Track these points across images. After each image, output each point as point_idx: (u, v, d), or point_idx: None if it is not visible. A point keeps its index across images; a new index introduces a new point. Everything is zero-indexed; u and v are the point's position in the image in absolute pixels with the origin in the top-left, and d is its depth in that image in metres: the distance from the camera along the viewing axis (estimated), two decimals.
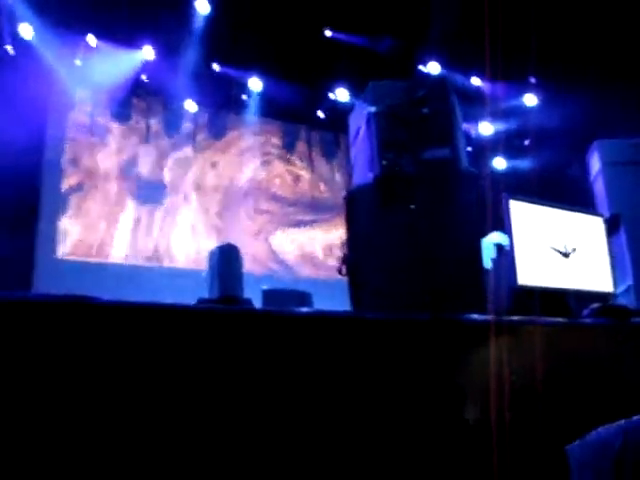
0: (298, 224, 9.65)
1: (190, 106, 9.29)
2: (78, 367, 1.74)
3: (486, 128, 9.73)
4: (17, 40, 7.83)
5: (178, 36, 8.12)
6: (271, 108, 9.54)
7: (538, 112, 9.23)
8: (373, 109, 3.01)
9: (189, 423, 1.83)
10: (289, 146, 10.15)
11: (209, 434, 1.85)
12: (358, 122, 3.19)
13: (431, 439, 2.09)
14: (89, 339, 1.77)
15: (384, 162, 2.88)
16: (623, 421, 1.54)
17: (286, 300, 4.31)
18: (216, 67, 8.89)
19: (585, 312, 2.87)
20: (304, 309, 2.44)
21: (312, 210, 9.80)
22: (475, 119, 9.50)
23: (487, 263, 3.14)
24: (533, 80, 9.15)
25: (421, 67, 8.80)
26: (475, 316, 2.38)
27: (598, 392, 2.37)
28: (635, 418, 1.53)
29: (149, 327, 1.86)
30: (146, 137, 9.15)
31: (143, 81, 8.77)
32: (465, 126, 8.15)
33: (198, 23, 8.05)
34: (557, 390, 2.34)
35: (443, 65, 8.79)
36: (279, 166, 10.05)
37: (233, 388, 1.90)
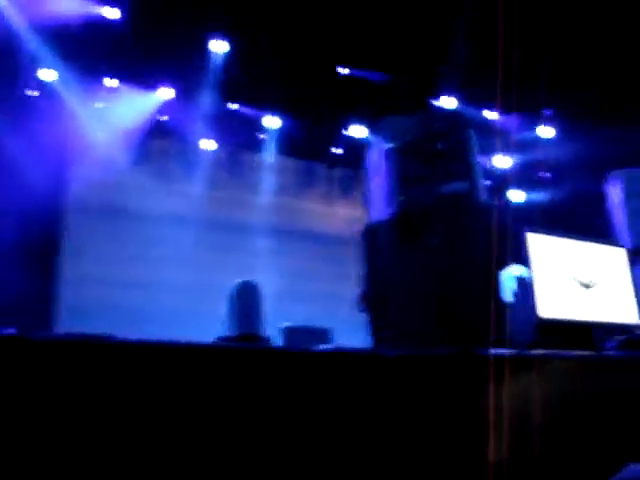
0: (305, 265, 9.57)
1: (208, 145, 9.38)
2: (97, 406, 1.74)
3: (503, 161, 9.73)
4: (39, 83, 7.98)
5: (196, 76, 8.24)
6: (289, 146, 9.60)
7: (555, 144, 9.22)
8: (390, 145, 3.02)
9: (209, 461, 1.81)
10: (308, 183, 10.19)
11: (229, 471, 1.83)
12: (375, 158, 3.21)
13: (455, 478, 2.05)
14: (107, 378, 1.77)
15: (402, 197, 2.88)
16: None
17: (306, 337, 4.30)
18: (233, 106, 8.98)
19: (610, 345, 2.83)
20: (324, 346, 2.42)
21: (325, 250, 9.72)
22: (492, 152, 9.51)
23: (507, 296, 3.11)
24: (549, 112, 9.16)
25: (436, 101, 8.84)
26: (498, 350, 2.35)
27: (626, 426, 2.33)
28: None
29: (167, 366, 1.86)
30: (165, 177, 9.23)
31: (162, 122, 8.88)
32: (482, 159, 8.16)
33: (215, 63, 8.15)
34: (584, 425, 2.29)
35: (458, 98, 8.83)
36: (297, 203, 10.08)
37: (254, 427, 1.88)
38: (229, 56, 8.07)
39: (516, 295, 3.16)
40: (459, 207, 2.92)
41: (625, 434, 2.27)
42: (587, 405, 2.35)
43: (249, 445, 1.86)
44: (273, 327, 4.15)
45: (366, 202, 3.45)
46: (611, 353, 2.77)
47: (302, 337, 4.27)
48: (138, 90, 8.47)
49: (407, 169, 2.94)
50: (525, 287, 3.08)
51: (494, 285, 2.86)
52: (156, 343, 1.89)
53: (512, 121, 9.10)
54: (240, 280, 3.79)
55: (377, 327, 2.79)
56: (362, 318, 2.90)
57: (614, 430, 2.32)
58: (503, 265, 3.07)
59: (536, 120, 9.24)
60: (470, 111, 8.63)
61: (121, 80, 8.34)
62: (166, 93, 8.57)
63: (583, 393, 2.36)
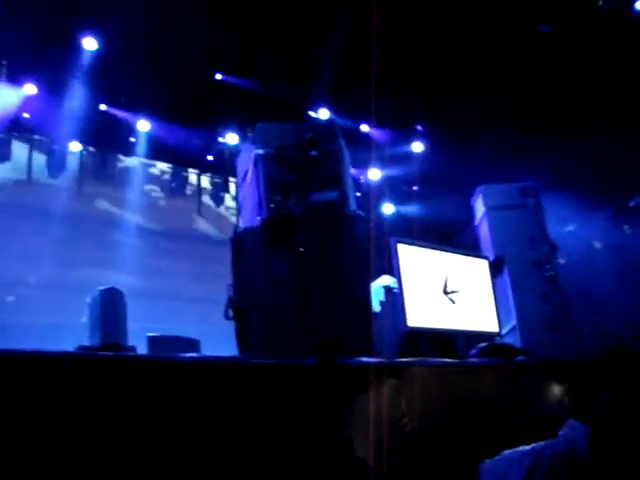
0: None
1: (75, 146, 9.01)
2: None
3: (375, 174, 9.92)
4: None
5: (64, 74, 7.88)
6: (160, 151, 9.39)
7: (426, 158, 9.49)
8: (260, 151, 2.97)
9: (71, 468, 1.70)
10: (178, 189, 10.00)
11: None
12: (246, 164, 3.15)
13: None
14: None
15: (271, 205, 2.84)
16: (535, 444, 1.63)
17: (173, 346, 4.17)
18: (103, 107, 8.67)
19: (472, 352, 2.91)
20: (189, 355, 2.34)
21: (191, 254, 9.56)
22: (364, 165, 9.67)
23: (376, 306, 3.14)
24: (420, 128, 9.42)
25: (311, 112, 8.90)
26: (364, 359, 2.35)
27: (489, 429, 2.38)
28: (546, 442, 1.63)
29: (24, 375, 1.73)
30: (28, 176, 8.81)
31: (25, 119, 8.43)
32: (354, 172, 8.29)
33: (85, 61, 7.84)
34: (448, 428, 2.33)
35: (333, 111, 8.92)
36: (166, 208, 9.89)
37: (119, 438, 1.79)
38: (100, 54, 7.78)
39: (383, 305, 3.19)
40: (329, 216, 2.91)
41: (484, 435, 2.33)
42: (452, 409, 2.39)
43: (112, 454, 1.77)
44: (139, 336, 4.01)
45: (237, 208, 3.40)
46: (473, 360, 2.84)
47: (168, 346, 4.14)
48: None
49: (277, 176, 2.91)
50: (392, 297, 3.12)
51: (363, 295, 2.87)
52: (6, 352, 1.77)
53: (385, 135, 9.30)
54: (103, 287, 3.63)
55: (244, 335, 2.74)
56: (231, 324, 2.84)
57: (477, 431, 2.37)
58: (372, 275, 3.10)
59: (409, 135, 9.48)
60: (344, 123, 8.72)
61: None
62: (30, 89, 8.12)
63: (448, 398, 2.40)
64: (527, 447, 1.64)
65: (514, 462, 1.63)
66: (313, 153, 2.98)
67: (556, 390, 2.61)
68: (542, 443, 1.62)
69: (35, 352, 1.83)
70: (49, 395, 1.74)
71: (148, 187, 9.83)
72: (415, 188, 10.19)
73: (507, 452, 1.68)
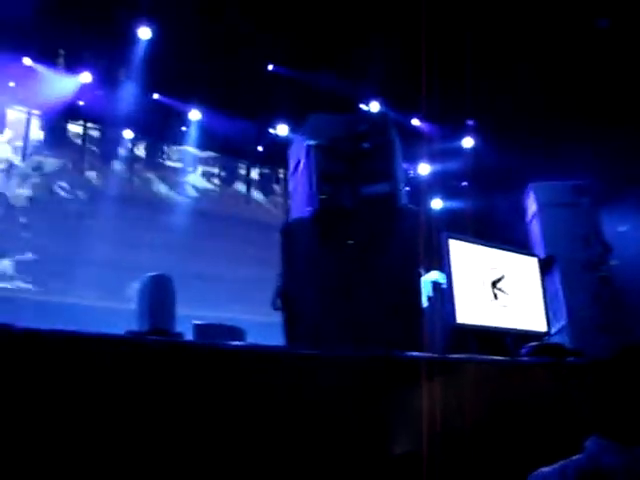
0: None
1: (128, 134, 9.13)
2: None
3: (424, 168, 9.85)
4: None
5: (118, 63, 8.00)
6: (211, 141, 9.46)
7: (475, 154, 9.39)
8: (313, 142, 2.97)
9: (112, 456, 1.72)
10: (227, 179, 10.06)
11: (137, 466, 1.74)
12: (297, 155, 3.15)
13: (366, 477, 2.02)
14: (6, 367, 1.66)
15: (322, 196, 2.84)
16: (562, 462, 1.56)
17: (219, 335, 4.18)
18: (156, 96, 8.77)
19: (523, 351, 2.87)
20: (237, 342, 2.36)
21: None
22: (414, 159, 9.61)
23: (425, 301, 3.11)
24: (471, 122, 9.32)
25: (363, 105, 8.87)
26: (413, 354, 2.34)
27: (538, 430, 2.35)
28: (571, 459, 1.56)
29: (72, 356, 1.76)
30: (81, 164, 8.95)
31: (80, 106, 8.57)
32: (404, 165, 8.24)
33: (140, 51, 7.93)
34: (497, 428, 2.30)
35: (383, 104, 8.88)
36: (217, 199, 9.95)
37: (163, 421, 1.81)
38: (154, 44, 7.86)
39: (431, 300, 3.16)
40: (380, 209, 2.90)
41: (537, 436, 2.29)
42: (501, 408, 2.36)
43: (159, 439, 1.78)
44: (186, 321, 4.03)
45: (287, 199, 3.40)
46: (524, 359, 2.80)
47: (215, 335, 4.16)
48: (56, 71, 8.14)
49: (329, 167, 2.89)
50: (440, 292, 3.09)
51: (413, 289, 2.84)
52: (60, 333, 1.79)
53: (435, 129, 9.23)
54: (152, 274, 3.65)
55: (292, 325, 2.74)
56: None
57: (527, 432, 2.33)
58: (422, 270, 3.07)
59: (459, 130, 9.39)
60: (395, 117, 8.67)
61: (38, 60, 8.01)
62: (85, 77, 8.26)
63: (498, 397, 2.37)
64: (557, 465, 1.57)
65: None
66: (365, 145, 2.97)
67: None
68: (567, 461, 1.55)
69: (88, 334, 1.84)
70: (99, 377, 1.77)
71: (197, 175, 9.91)
72: (465, 183, 10.09)
73: (538, 473, 1.60)
